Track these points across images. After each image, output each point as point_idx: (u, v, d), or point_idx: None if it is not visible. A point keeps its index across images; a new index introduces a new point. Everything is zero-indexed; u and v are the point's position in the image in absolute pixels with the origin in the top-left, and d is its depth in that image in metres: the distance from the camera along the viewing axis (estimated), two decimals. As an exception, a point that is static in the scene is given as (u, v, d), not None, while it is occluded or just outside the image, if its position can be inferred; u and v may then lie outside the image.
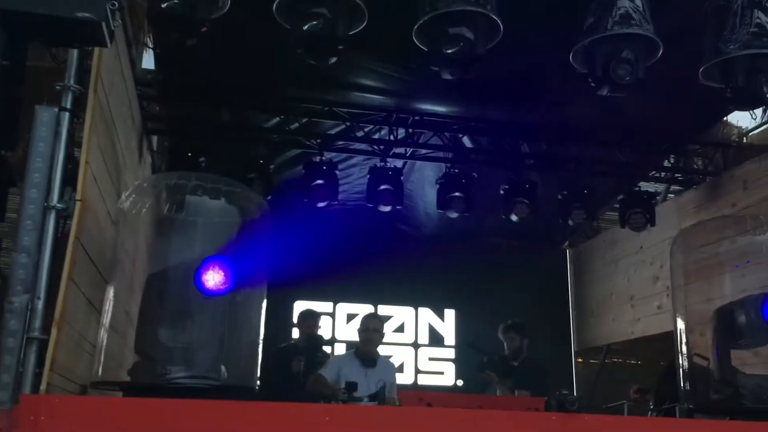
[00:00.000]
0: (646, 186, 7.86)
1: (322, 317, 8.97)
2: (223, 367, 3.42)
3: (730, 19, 4.20)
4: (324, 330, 8.99)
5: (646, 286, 8.24)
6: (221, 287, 3.38)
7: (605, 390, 8.99)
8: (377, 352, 5.67)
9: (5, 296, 3.02)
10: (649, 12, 4.11)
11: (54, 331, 3.07)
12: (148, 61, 6.46)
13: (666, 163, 7.88)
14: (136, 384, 3.32)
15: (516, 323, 6.56)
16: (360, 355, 5.54)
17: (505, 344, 6.50)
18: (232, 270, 3.40)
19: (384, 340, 5.93)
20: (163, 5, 3.59)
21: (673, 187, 8.27)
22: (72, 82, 3.30)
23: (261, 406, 3.06)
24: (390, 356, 6.46)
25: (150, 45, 5.98)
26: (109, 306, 3.67)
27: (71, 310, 3.31)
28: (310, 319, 6.63)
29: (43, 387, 2.98)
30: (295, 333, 8.03)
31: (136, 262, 4.00)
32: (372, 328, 5.64)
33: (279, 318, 8.30)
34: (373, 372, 5.42)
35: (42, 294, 3.05)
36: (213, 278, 3.37)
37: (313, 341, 6.55)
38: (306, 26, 3.71)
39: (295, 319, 8.68)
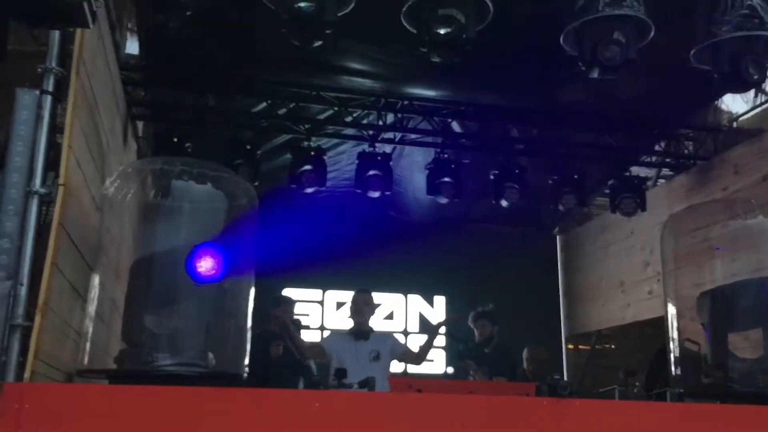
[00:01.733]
0: (636, 171, 7.86)
1: (313, 304, 9.00)
2: (210, 354, 3.38)
3: (721, 1, 4.16)
4: (313, 317, 8.99)
5: (637, 272, 8.25)
6: (214, 274, 3.33)
7: (596, 376, 9.02)
8: (370, 327, 5.75)
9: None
10: (640, -7, 4.07)
11: (38, 318, 3.01)
12: (132, 45, 6.38)
13: (657, 148, 7.86)
14: (123, 371, 3.27)
15: (486, 311, 6.63)
16: (351, 330, 5.64)
17: (476, 332, 6.56)
18: (225, 257, 3.35)
19: (381, 332, 6.01)
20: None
21: (664, 172, 8.26)
22: (54, 64, 3.22)
23: (249, 393, 3.03)
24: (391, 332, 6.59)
25: (134, 29, 5.90)
26: (94, 293, 3.62)
27: (55, 297, 3.25)
28: (284, 305, 6.62)
29: (27, 375, 2.92)
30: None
31: (122, 248, 3.95)
32: (362, 302, 5.76)
33: (267, 305, 8.26)
34: (365, 344, 5.51)
35: (25, 280, 2.99)
36: (206, 265, 3.32)
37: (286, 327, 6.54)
38: (295, 5, 3.64)
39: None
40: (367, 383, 4.12)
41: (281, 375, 5.72)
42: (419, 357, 6.04)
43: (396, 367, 8.62)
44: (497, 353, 6.45)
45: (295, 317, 6.38)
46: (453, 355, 6.63)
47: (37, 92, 3.14)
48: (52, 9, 2.87)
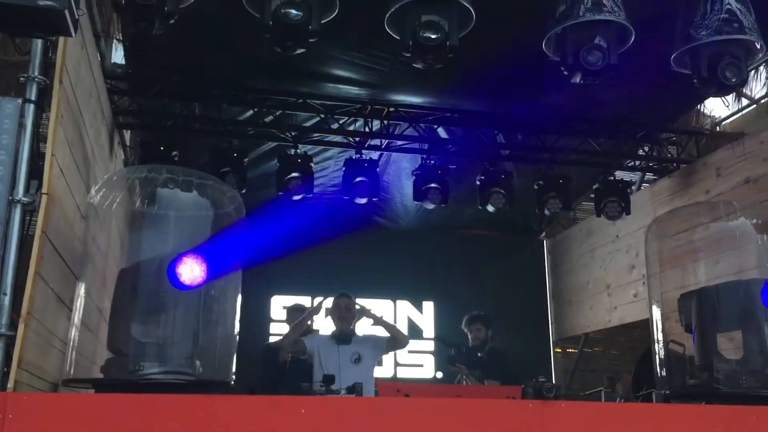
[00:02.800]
0: (621, 175, 7.91)
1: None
2: (198, 362, 3.37)
3: (701, 4, 4.22)
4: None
5: (623, 275, 8.30)
6: (196, 281, 3.32)
7: (583, 379, 9.06)
8: (353, 330, 5.78)
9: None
10: (620, -2, 4.12)
11: (21, 327, 3.00)
12: (118, 55, 6.37)
13: (640, 152, 7.93)
14: (109, 381, 3.26)
15: (480, 315, 6.65)
16: (333, 334, 5.67)
17: (470, 336, 6.57)
18: (207, 263, 3.35)
19: (363, 334, 5.99)
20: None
21: (648, 176, 8.33)
22: (36, 73, 3.22)
23: (235, 400, 3.02)
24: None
25: (119, 38, 5.89)
26: (80, 302, 3.61)
27: (39, 306, 3.24)
28: (298, 313, 6.58)
29: (10, 385, 2.91)
30: (279, 328, 8.02)
31: (108, 257, 3.94)
32: (343, 306, 5.77)
33: (256, 312, 8.25)
34: (347, 348, 5.54)
35: (8, 290, 2.98)
36: (187, 272, 3.32)
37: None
38: (281, 12, 3.64)
39: (272, 314, 8.68)
40: (355, 389, 4.12)
41: (292, 382, 5.71)
42: (395, 336, 5.98)
43: (386, 371, 8.76)
44: (491, 357, 6.44)
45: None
46: (443, 359, 6.60)
47: (20, 101, 3.14)
48: (34, 18, 2.88)
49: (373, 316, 6.05)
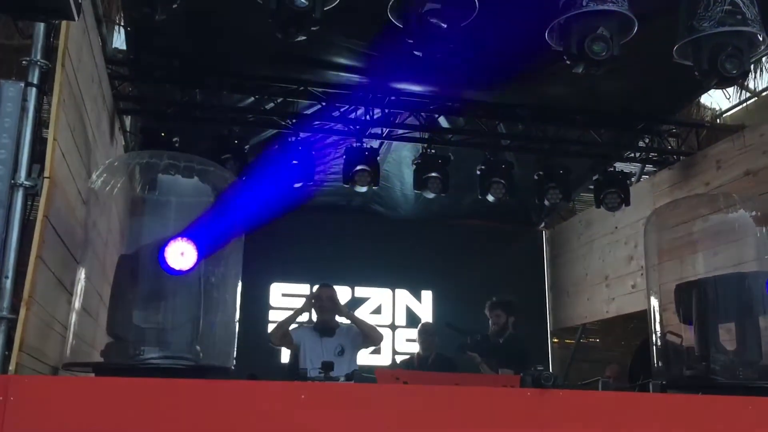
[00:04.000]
0: (620, 166, 7.92)
1: (301, 299, 8.97)
2: (198, 348, 3.39)
3: (704, -4, 4.20)
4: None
5: (621, 266, 8.32)
6: (185, 266, 3.31)
7: (580, 370, 9.10)
8: (336, 322, 5.79)
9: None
10: (624, -11, 4.11)
11: (23, 311, 3.01)
12: (120, 40, 6.36)
13: (640, 144, 7.93)
14: (109, 365, 3.28)
15: (503, 300, 6.55)
16: (316, 326, 5.68)
17: (490, 321, 6.48)
18: (198, 248, 3.34)
19: (345, 324, 6.00)
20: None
21: (648, 167, 8.34)
22: (39, 56, 3.22)
23: (235, 385, 3.04)
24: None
25: (121, 23, 5.88)
26: (80, 287, 3.62)
27: (41, 290, 3.25)
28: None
29: (11, 367, 2.92)
30: (278, 315, 8.04)
31: (108, 242, 3.95)
32: (325, 297, 5.78)
33: (255, 300, 8.27)
34: (330, 340, 5.56)
35: (10, 273, 2.99)
36: (176, 256, 3.31)
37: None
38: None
39: (272, 302, 8.70)
40: (353, 376, 4.15)
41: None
42: (368, 335, 5.96)
43: (384, 359, 8.79)
44: (510, 345, 6.35)
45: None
46: (456, 348, 6.56)
47: (22, 84, 3.14)
48: (37, 1, 2.88)
49: (347, 314, 6.03)
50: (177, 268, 3.28)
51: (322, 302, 5.86)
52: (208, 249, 3.55)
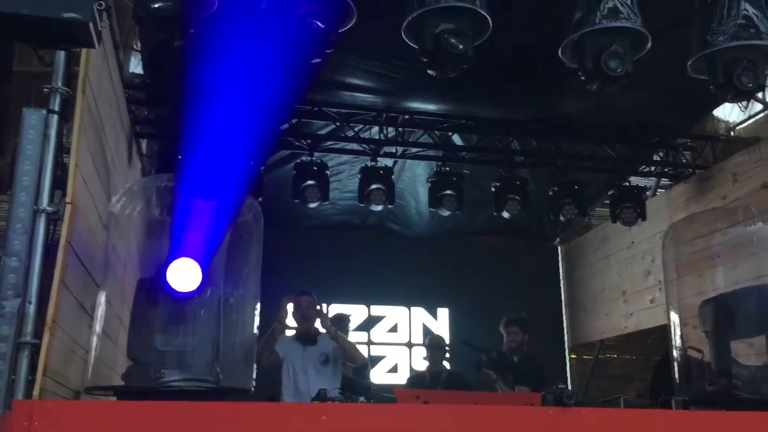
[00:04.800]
0: (636, 180, 7.90)
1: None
2: (218, 370, 3.40)
3: (717, 10, 4.21)
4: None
5: (639, 281, 8.26)
6: (191, 287, 3.32)
7: (599, 386, 9.02)
8: (317, 330, 5.67)
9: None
10: (636, 5, 4.12)
11: (46, 336, 3.03)
12: (135, 64, 6.43)
13: (655, 158, 7.91)
14: (130, 388, 3.29)
15: (519, 317, 6.46)
16: (298, 336, 5.59)
17: (505, 338, 6.40)
18: (202, 268, 3.33)
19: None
20: (152, 6, 3.56)
21: (663, 182, 8.31)
22: (60, 84, 3.27)
23: (256, 407, 3.04)
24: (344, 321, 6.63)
25: (137, 48, 5.95)
26: (101, 310, 3.65)
27: (63, 315, 3.28)
28: (339, 323, 6.51)
29: (36, 392, 2.94)
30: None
31: (127, 265, 3.98)
32: (305, 305, 5.67)
33: (271, 320, 8.27)
34: (313, 348, 5.48)
35: (33, 298, 3.01)
36: (181, 278, 3.31)
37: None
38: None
39: (288, 321, 8.68)
40: (372, 395, 4.15)
41: None
42: (350, 356, 5.72)
43: (401, 378, 8.75)
44: (525, 362, 6.26)
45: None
46: (472, 366, 6.43)
47: (44, 112, 3.18)
48: (58, 30, 2.92)
49: (328, 326, 5.69)
50: (180, 289, 3.28)
51: (303, 310, 5.67)
52: (225, 270, 3.58)
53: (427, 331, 9.17)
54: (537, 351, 7.27)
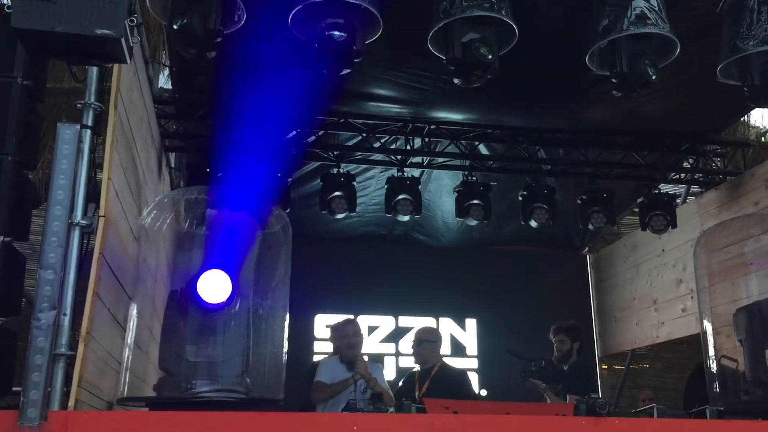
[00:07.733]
0: (665, 188, 7.80)
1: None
2: (248, 380, 3.42)
3: (746, 15, 4.17)
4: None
5: (670, 289, 8.15)
6: (221, 299, 3.35)
7: (631, 396, 8.90)
8: (360, 355, 5.71)
9: (32, 314, 3.03)
10: (665, 11, 4.09)
11: (81, 347, 3.08)
12: (163, 81, 6.53)
13: (685, 164, 7.81)
14: (162, 399, 3.33)
15: (567, 325, 6.28)
16: (344, 360, 5.57)
17: (554, 346, 6.28)
18: (231, 280, 3.37)
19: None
20: (180, 22, 3.61)
21: (694, 188, 8.20)
22: (92, 99, 3.33)
23: (287, 417, 3.06)
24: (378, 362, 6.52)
25: (166, 63, 6.04)
26: (133, 322, 3.69)
27: (97, 326, 3.33)
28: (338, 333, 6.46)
29: (71, 403, 2.98)
30: (323, 347, 8.04)
31: (158, 277, 4.03)
32: (352, 333, 5.69)
33: (300, 332, 8.31)
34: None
35: (68, 311, 3.06)
36: (211, 290, 3.34)
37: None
38: (326, 34, 3.75)
39: (316, 333, 8.72)
40: (403, 407, 4.13)
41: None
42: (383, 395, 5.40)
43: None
44: (575, 372, 6.07)
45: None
46: (518, 376, 6.26)
47: (78, 126, 3.24)
48: (90, 46, 2.98)
49: (368, 380, 5.45)
50: (210, 300, 3.31)
51: (349, 339, 5.67)
52: (255, 281, 3.61)
53: (455, 342, 9.14)
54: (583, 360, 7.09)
